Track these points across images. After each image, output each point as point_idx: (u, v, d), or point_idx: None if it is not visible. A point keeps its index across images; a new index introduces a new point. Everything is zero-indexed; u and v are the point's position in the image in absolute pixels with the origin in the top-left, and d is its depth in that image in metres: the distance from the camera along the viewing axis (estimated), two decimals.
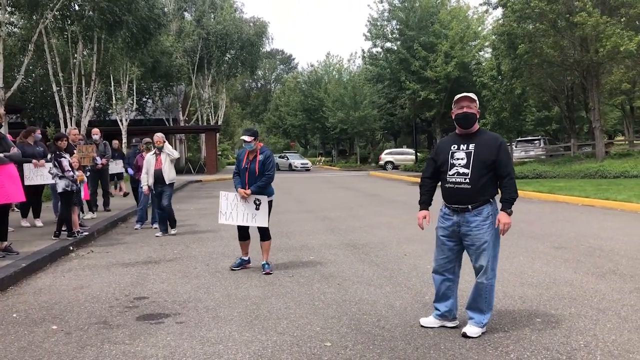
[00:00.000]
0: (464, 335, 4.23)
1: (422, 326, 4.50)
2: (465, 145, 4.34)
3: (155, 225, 10.25)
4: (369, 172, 36.71)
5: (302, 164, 43.91)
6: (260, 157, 6.60)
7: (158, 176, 9.48)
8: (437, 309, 4.53)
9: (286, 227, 10.41)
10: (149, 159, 9.66)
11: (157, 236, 9.54)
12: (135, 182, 11.35)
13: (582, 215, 11.31)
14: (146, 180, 9.60)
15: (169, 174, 9.56)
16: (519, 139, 32.87)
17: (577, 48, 22.44)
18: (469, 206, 4.27)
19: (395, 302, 5.21)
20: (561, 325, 4.44)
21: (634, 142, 30.71)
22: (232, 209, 6.75)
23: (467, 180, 4.26)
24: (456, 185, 4.32)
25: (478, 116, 4.38)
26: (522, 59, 23.37)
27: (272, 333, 4.43)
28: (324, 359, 3.87)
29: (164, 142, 9.55)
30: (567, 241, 8.20)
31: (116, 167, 15.48)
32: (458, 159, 4.33)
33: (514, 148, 29.50)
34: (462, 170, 4.30)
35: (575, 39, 22.02)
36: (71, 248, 8.26)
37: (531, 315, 4.72)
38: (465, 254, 4.49)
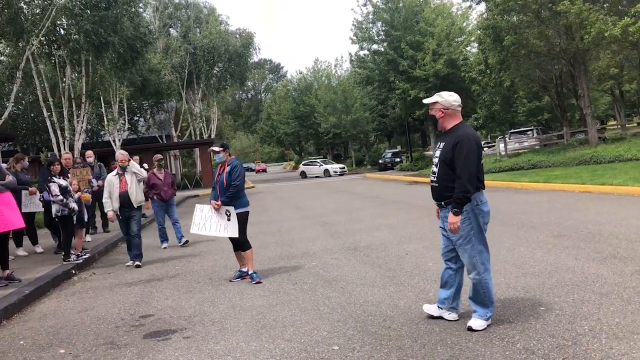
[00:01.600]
0: (469, 329, 4.26)
1: (426, 314, 4.65)
2: (441, 144, 4.52)
3: (185, 239, 10.31)
4: (365, 174, 36.76)
5: (340, 168, 41.59)
6: (227, 168, 6.71)
7: (125, 199, 8.43)
8: (439, 294, 4.63)
9: (286, 235, 10.43)
10: (110, 180, 8.58)
11: (127, 266, 8.61)
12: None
13: (579, 202, 11.37)
14: (110, 204, 8.48)
15: (137, 196, 8.58)
16: (512, 130, 32.98)
17: (562, 36, 22.58)
18: (442, 202, 4.43)
19: (400, 302, 5.23)
20: (565, 311, 4.47)
21: (626, 125, 30.89)
22: (206, 220, 6.89)
23: (435, 179, 4.47)
24: (431, 183, 4.59)
25: (442, 114, 4.47)
26: (508, 51, 23.51)
27: (279, 341, 4.45)
28: None
29: (129, 160, 8.70)
30: (566, 229, 8.24)
31: None
32: (435, 157, 4.54)
33: (508, 140, 29.58)
34: (434, 168, 4.52)
35: (560, 28, 22.16)
36: (73, 271, 8.25)
37: (535, 304, 4.75)
38: None
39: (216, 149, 6.79)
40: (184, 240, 10.36)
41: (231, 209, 6.64)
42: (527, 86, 27.93)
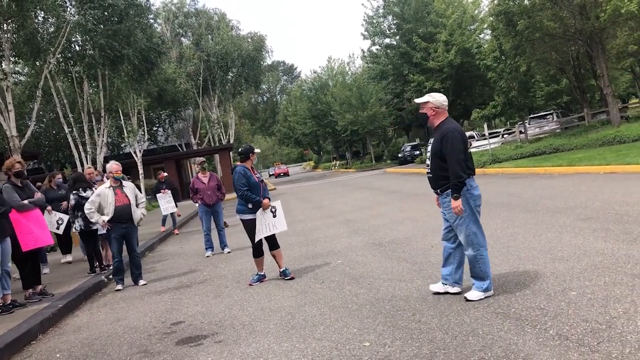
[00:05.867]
0: (466, 299, 4.79)
1: (431, 292, 5.15)
2: (431, 139, 5.06)
3: (227, 250, 9.94)
4: (385, 169, 36.62)
5: None
6: (257, 174, 7.11)
7: (125, 213, 7.75)
8: (442, 272, 5.16)
9: (310, 235, 10.45)
10: (103, 192, 7.77)
11: (117, 290, 7.91)
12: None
13: (605, 183, 11.18)
14: (97, 215, 7.69)
15: (138, 213, 7.98)
16: (531, 115, 32.56)
17: (577, 17, 22.22)
18: (438, 190, 4.99)
19: (428, 295, 5.20)
20: (597, 295, 4.41)
21: None
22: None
23: (429, 170, 5.05)
24: (427, 174, 5.15)
25: (433, 112, 4.97)
26: (522, 36, 23.22)
27: (310, 340, 4.47)
28: (365, 359, 3.89)
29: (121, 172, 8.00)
30: (594, 211, 8.11)
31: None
32: (428, 151, 5.09)
33: (527, 125, 29.18)
34: (427, 161, 5.09)
35: (574, 8, 21.82)
36: (104, 281, 8.38)
37: (565, 289, 4.68)
38: None
39: (257, 150, 7.20)
40: (227, 250, 9.96)
41: (277, 203, 6.98)
42: (544, 70, 27.57)
